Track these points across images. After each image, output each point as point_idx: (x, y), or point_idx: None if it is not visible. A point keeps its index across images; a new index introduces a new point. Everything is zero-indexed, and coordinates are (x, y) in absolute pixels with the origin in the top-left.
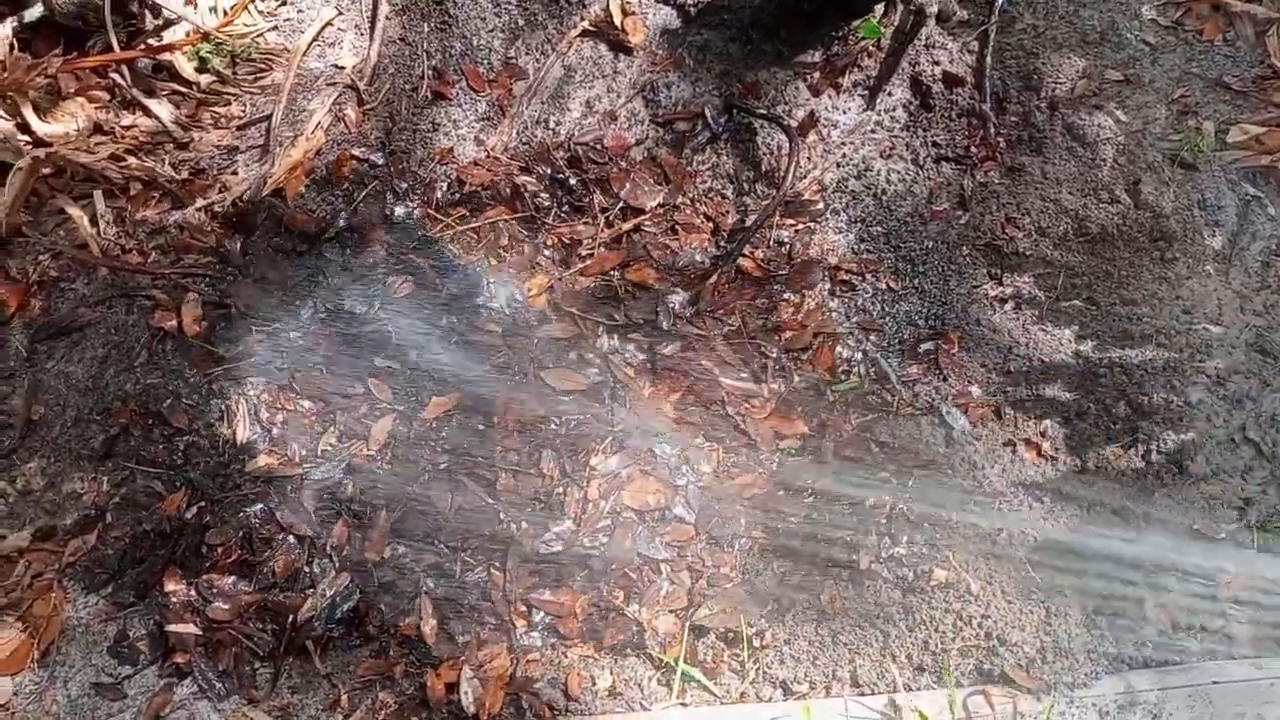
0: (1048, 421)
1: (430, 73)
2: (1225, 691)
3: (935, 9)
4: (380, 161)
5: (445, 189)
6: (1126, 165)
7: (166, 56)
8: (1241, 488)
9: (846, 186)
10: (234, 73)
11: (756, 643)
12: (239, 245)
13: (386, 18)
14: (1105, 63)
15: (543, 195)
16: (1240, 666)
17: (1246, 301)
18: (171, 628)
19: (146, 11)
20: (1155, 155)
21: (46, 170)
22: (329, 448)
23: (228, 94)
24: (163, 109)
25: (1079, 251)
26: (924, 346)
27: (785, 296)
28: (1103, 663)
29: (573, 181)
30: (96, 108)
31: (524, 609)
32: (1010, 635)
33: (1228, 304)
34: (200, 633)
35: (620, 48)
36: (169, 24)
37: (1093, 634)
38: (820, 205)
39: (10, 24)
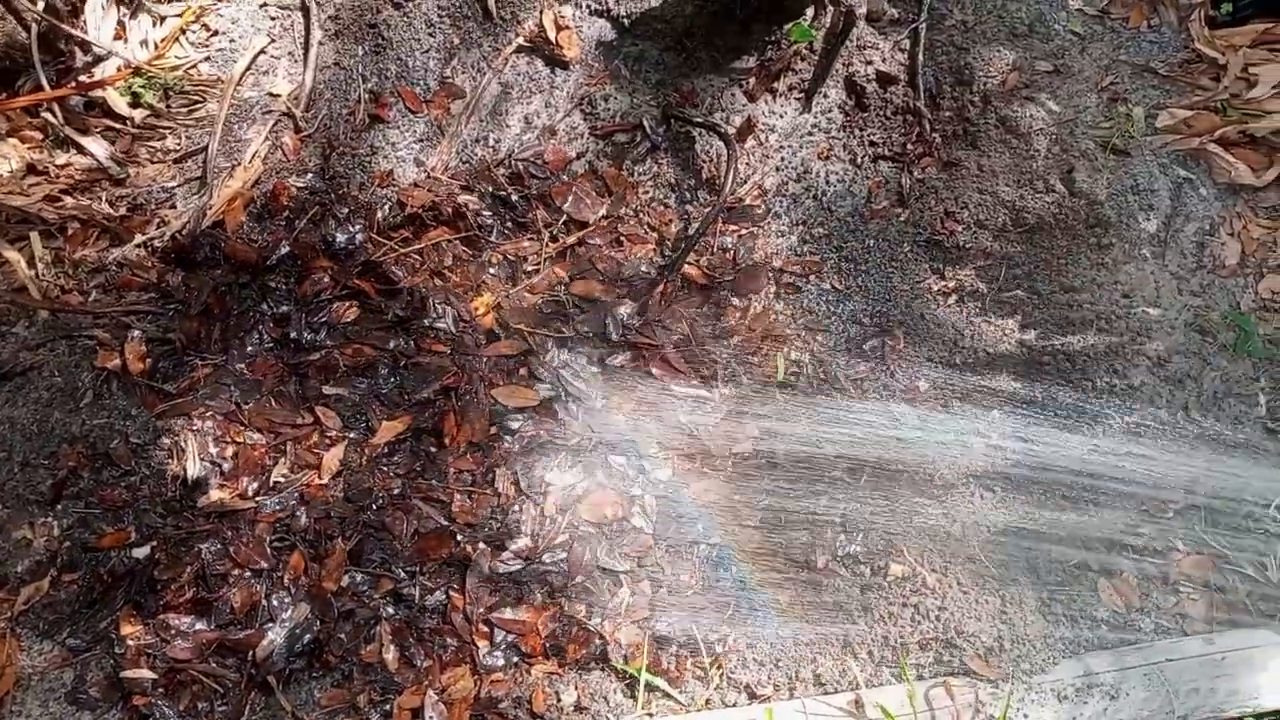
0: (996, 412)
1: (366, 96)
2: (1179, 668)
3: (865, 9)
4: (320, 187)
5: (387, 212)
6: (1060, 154)
7: (98, 93)
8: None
9: (786, 190)
10: (168, 106)
11: (719, 648)
12: (180, 280)
13: (319, 43)
14: (1035, 54)
15: (485, 213)
16: (1193, 642)
17: (1183, 282)
18: (127, 673)
19: (76, 48)
20: (1088, 143)
21: None
22: (281, 479)
23: (163, 128)
24: (97, 146)
25: (1018, 242)
26: (870, 344)
27: (732, 302)
28: (1059, 647)
29: (515, 198)
30: (29, 148)
31: (485, 629)
32: (967, 626)
33: (1165, 286)
34: (156, 676)
35: (556, 62)
36: (99, 60)
37: (1049, 619)
38: (761, 210)
39: None
